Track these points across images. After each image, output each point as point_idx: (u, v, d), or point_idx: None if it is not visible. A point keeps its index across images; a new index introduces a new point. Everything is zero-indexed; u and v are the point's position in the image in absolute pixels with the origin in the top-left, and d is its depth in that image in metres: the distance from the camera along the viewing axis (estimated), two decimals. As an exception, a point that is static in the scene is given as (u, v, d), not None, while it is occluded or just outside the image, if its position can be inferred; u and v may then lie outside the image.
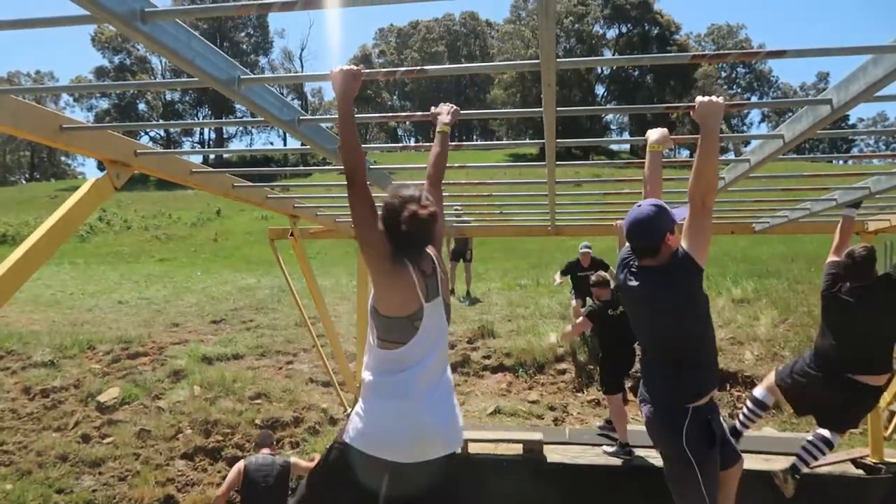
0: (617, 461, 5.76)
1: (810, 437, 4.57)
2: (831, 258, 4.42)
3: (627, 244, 2.83)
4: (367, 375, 2.39)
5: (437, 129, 2.62)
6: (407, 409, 2.33)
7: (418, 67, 2.14)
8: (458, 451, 2.53)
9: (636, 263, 2.78)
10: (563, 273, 8.71)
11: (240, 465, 5.18)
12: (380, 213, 2.29)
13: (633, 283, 2.75)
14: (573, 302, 8.66)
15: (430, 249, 2.44)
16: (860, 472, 5.40)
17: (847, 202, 4.30)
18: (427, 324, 2.33)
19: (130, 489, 6.02)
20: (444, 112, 2.64)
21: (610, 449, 5.94)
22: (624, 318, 6.02)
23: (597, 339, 6.34)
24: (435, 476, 2.40)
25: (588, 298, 7.00)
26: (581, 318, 6.19)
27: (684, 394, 2.74)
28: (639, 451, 6.01)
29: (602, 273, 6.47)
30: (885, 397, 5.58)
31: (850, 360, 4.16)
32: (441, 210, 2.52)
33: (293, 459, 5.44)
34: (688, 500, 2.80)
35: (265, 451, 5.36)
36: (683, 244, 2.60)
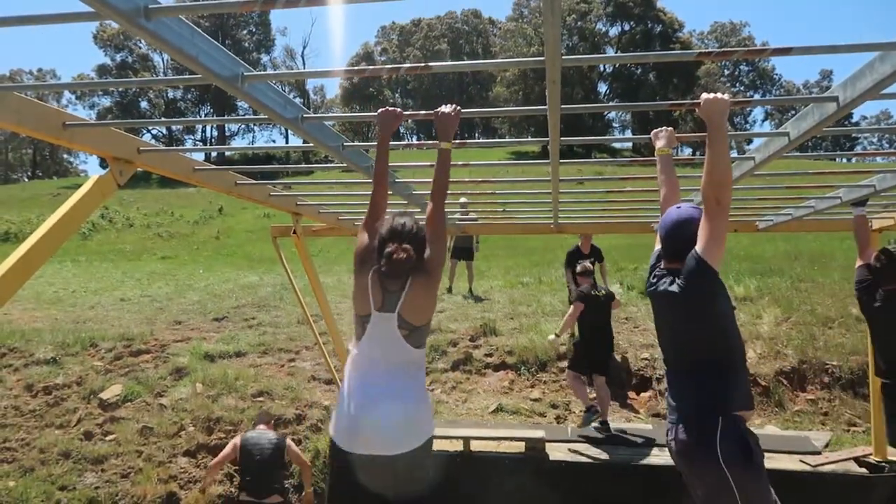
0: (620, 460, 5.75)
1: None
2: (859, 263, 4.52)
3: (657, 248, 2.83)
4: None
5: (440, 146, 2.77)
6: (347, 400, 2.64)
7: (422, 64, 2.13)
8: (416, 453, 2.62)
9: (661, 266, 2.76)
10: (567, 265, 8.65)
11: (236, 439, 5.43)
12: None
13: (659, 287, 2.71)
14: (573, 287, 8.63)
15: (409, 277, 2.64)
16: (863, 470, 5.39)
17: (852, 201, 4.30)
18: (373, 331, 2.64)
19: (133, 486, 6.02)
20: (446, 111, 2.71)
21: (597, 427, 6.33)
22: (603, 306, 6.65)
23: (580, 325, 6.67)
24: (397, 477, 2.62)
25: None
26: (574, 303, 6.64)
27: (713, 403, 2.54)
28: (641, 450, 6.01)
29: (587, 264, 6.99)
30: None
31: None
32: (439, 221, 2.75)
33: (288, 441, 5.58)
34: None
35: (261, 427, 5.61)
36: (697, 246, 2.50)
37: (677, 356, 2.75)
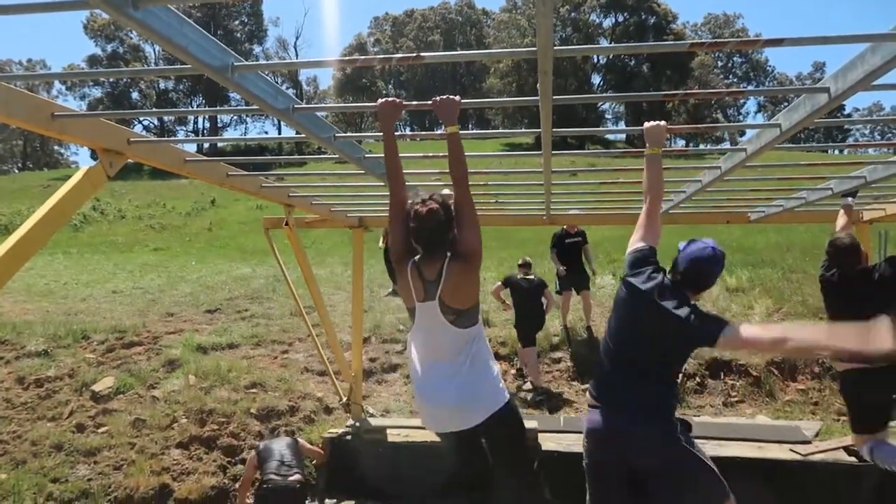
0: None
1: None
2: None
3: (643, 246, 2.95)
4: None
5: (446, 131, 2.77)
6: (416, 389, 2.93)
7: (414, 54, 2.12)
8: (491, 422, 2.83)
9: (666, 280, 2.83)
10: (553, 246, 8.84)
11: (251, 454, 5.57)
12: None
13: (661, 302, 2.74)
14: (559, 268, 8.79)
15: (446, 260, 2.73)
16: (852, 459, 5.43)
17: (843, 191, 4.33)
18: (420, 322, 2.79)
19: (126, 478, 6.01)
20: (445, 105, 2.69)
21: (530, 397, 7.47)
22: (530, 293, 7.70)
23: (514, 307, 7.92)
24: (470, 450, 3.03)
25: (568, 266, 8.64)
26: (498, 284, 8.20)
27: (674, 402, 2.97)
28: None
29: (527, 258, 8.20)
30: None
31: None
32: (465, 207, 2.75)
33: (300, 439, 5.81)
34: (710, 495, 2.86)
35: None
36: (726, 332, 2.59)
37: (644, 360, 2.85)
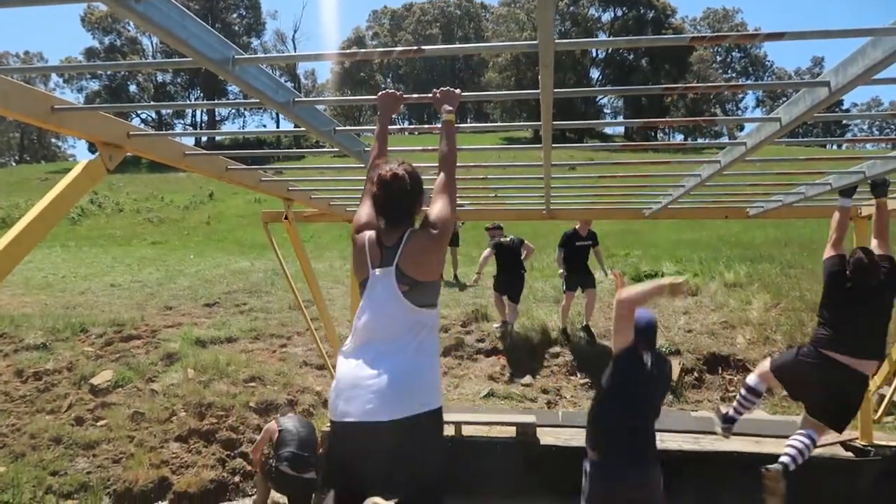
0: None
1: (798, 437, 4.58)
2: (830, 253, 4.50)
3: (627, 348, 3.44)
4: None
5: (442, 118, 2.66)
6: (342, 367, 2.44)
7: (415, 47, 2.11)
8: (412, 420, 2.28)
9: (641, 352, 3.43)
10: (561, 245, 8.67)
11: (272, 424, 5.55)
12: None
13: (652, 367, 3.44)
14: (562, 271, 8.70)
15: (408, 229, 2.49)
16: (849, 454, 5.46)
17: (839, 188, 4.31)
18: (371, 292, 2.45)
19: (125, 471, 6.02)
20: (445, 96, 2.67)
21: (499, 332, 8.63)
22: (512, 250, 8.77)
23: (499, 266, 8.94)
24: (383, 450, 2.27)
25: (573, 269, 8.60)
26: (487, 251, 9.02)
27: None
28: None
29: (498, 223, 9.12)
30: (875, 381, 5.63)
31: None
32: (447, 182, 2.59)
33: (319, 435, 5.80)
34: None
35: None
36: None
37: (644, 416, 3.52)
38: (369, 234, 2.53)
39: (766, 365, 4.72)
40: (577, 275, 8.52)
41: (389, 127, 2.89)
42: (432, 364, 2.47)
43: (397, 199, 2.46)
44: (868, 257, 4.28)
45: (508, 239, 8.94)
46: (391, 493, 2.17)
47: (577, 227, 8.61)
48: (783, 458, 4.36)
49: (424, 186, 2.62)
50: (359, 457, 2.34)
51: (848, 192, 4.45)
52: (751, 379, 4.79)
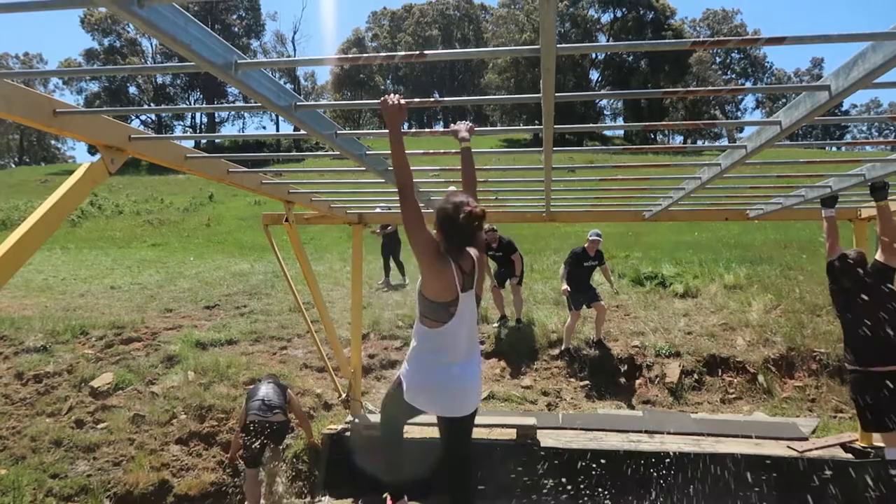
0: (610, 447, 5.81)
1: None
2: (832, 258, 4.69)
3: None
4: (413, 343, 3.18)
5: (461, 145, 3.19)
6: (447, 373, 3.08)
7: (417, 52, 2.12)
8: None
9: None
10: (568, 263, 8.35)
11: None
12: (436, 217, 2.98)
13: None
14: (565, 288, 8.28)
15: (472, 251, 3.10)
16: (849, 456, 5.46)
17: (816, 198, 4.47)
18: (461, 309, 3.01)
19: (125, 474, 6.03)
20: (462, 129, 3.14)
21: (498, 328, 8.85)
22: (510, 244, 8.93)
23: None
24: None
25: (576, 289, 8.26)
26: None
27: None
28: (631, 437, 6.07)
29: (494, 225, 8.85)
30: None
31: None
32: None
33: (290, 392, 6.09)
34: None
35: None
36: None
37: None
38: (454, 262, 2.97)
39: None
40: (583, 293, 8.24)
41: (385, 131, 2.92)
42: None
43: (475, 231, 2.96)
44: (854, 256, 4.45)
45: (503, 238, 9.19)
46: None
47: (585, 245, 8.36)
48: None
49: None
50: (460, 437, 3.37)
51: (829, 201, 4.60)
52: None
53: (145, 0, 1.55)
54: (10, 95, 2.23)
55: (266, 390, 5.77)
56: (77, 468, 6.10)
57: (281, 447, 5.94)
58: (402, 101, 2.69)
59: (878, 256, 4.53)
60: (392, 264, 11.76)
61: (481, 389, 3.27)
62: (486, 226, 9.10)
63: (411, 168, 2.86)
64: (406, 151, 2.80)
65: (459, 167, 3.34)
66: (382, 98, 2.69)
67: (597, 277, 8.96)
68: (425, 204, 3.10)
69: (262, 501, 5.66)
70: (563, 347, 8.25)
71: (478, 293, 3.16)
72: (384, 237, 11.64)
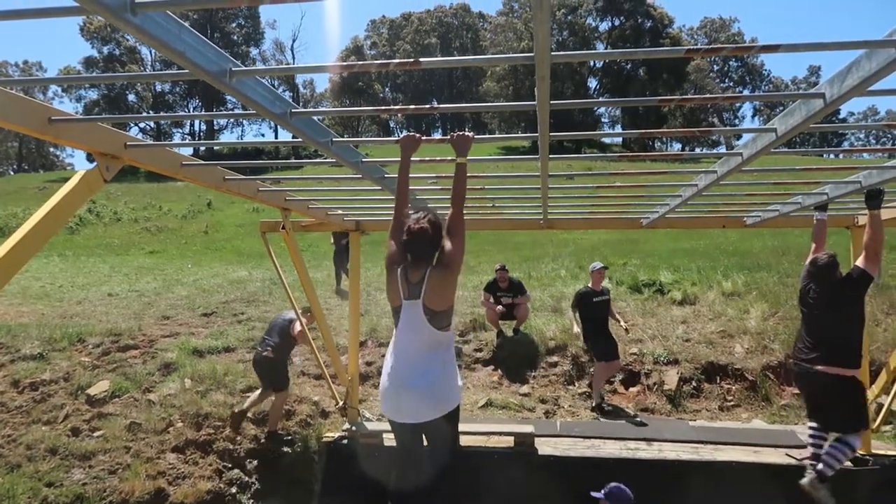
0: (608, 454, 5.79)
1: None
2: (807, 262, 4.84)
3: None
4: None
5: (457, 160, 3.26)
6: (393, 377, 3.24)
7: (412, 60, 2.12)
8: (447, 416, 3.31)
9: None
10: (576, 305, 7.58)
11: None
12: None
13: None
14: (577, 330, 7.58)
15: (429, 268, 3.16)
16: (848, 463, 5.44)
17: (811, 205, 4.51)
18: (404, 317, 3.20)
19: (121, 482, 5.98)
20: (460, 139, 3.19)
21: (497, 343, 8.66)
22: (519, 284, 8.85)
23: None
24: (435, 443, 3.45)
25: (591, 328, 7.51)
26: (483, 296, 8.92)
27: None
28: (629, 444, 6.05)
29: (504, 265, 9.06)
30: (873, 390, 5.63)
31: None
32: (457, 223, 3.23)
33: (298, 324, 6.40)
34: None
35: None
36: None
37: None
38: (400, 271, 3.20)
39: None
40: (604, 340, 7.36)
41: (384, 138, 2.97)
42: (456, 376, 3.36)
43: (421, 245, 3.15)
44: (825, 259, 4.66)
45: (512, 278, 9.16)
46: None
47: (589, 284, 7.64)
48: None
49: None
50: (411, 444, 3.56)
51: (822, 206, 4.70)
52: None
53: (139, 7, 1.55)
54: (6, 104, 2.24)
55: (275, 325, 6.53)
56: (72, 476, 6.06)
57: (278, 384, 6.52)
58: (419, 137, 3.23)
59: (860, 262, 4.51)
60: (343, 274, 11.85)
61: (443, 402, 3.24)
62: (496, 265, 9.18)
63: (409, 175, 3.37)
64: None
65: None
66: (403, 136, 3.22)
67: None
68: (428, 212, 3.22)
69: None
70: (593, 403, 7.39)
71: (433, 307, 3.14)
72: (337, 246, 11.90)
